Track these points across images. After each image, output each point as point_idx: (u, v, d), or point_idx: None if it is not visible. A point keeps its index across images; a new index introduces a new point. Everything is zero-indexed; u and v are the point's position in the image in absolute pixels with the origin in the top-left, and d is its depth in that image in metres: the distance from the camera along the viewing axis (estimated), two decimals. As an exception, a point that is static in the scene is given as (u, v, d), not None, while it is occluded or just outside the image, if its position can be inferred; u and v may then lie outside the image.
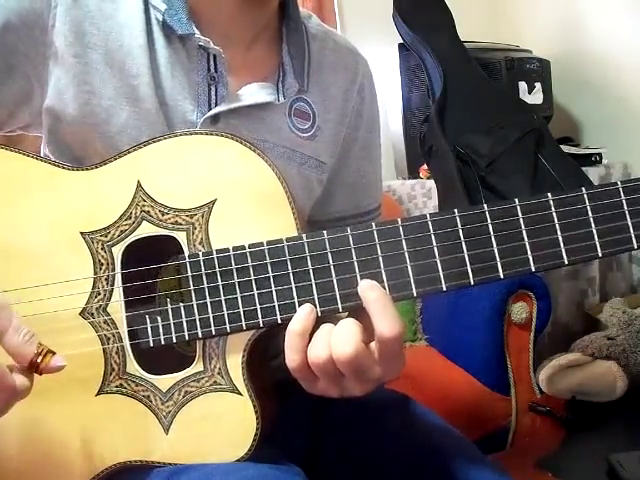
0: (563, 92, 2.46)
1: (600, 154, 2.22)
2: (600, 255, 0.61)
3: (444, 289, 0.63)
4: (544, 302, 1.66)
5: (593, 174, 2.07)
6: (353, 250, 0.64)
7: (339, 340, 0.61)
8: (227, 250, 0.66)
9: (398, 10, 2.16)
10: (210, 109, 0.78)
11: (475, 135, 1.92)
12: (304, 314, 0.63)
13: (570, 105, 2.52)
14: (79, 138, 0.77)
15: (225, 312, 0.66)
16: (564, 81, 2.41)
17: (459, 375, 1.70)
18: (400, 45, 2.28)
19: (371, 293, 0.62)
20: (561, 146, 2.01)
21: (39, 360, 0.59)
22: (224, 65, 0.78)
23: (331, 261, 0.64)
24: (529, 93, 2.25)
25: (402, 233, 0.63)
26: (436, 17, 2.14)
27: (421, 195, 2.24)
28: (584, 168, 1.99)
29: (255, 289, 0.65)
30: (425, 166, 2.19)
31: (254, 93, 0.81)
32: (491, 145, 1.89)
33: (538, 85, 2.27)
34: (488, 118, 1.96)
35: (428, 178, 2.21)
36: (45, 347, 0.60)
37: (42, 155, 0.81)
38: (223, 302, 0.66)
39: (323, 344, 0.62)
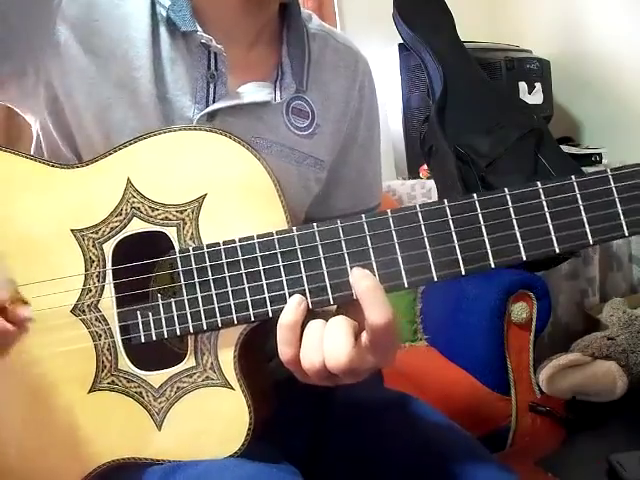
0: (563, 92, 2.46)
1: (600, 154, 2.22)
2: (591, 242, 0.61)
3: (435, 279, 0.62)
4: (544, 302, 1.65)
5: (593, 174, 2.06)
6: (343, 242, 0.64)
7: (332, 348, 0.61)
8: (217, 244, 0.66)
9: (398, 10, 2.16)
10: (208, 106, 0.78)
11: (475, 135, 1.92)
12: (294, 306, 0.63)
13: (570, 105, 2.52)
14: (82, 126, 0.77)
15: (216, 306, 0.66)
16: (564, 81, 2.41)
17: (459, 375, 1.70)
18: (400, 45, 2.28)
19: (362, 282, 0.61)
20: (561, 146, 2.01)
21: (7, 305, 0.60)
22: (224, 63, 0.78)
23: (321, 253, 0.64)
24: (529, 93, 2.25)
25: (392, 224, 0.63)
26: (436, 17, 2.14)
27: (421, 195, 2.24)
28: (584, 168, 1.98)
29: (246, 282, 0.65)
30: (425, 166, 2.19)
31: (252, 92, 0.81)
32: (491, 145, 1.89)
33: (538, 85, 2.27)
34: (488, 118, 1.96)
35: (428, 178, 2.21)
36: (20, 297, 0.61)
37: (46, 143, 0.81)
38: (214, 296, 0.66)
39: (315, 350, 0.61)
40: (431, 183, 2.11)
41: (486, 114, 1.97)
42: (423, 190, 2.23)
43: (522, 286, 1.64)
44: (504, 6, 2.77)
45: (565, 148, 2.07)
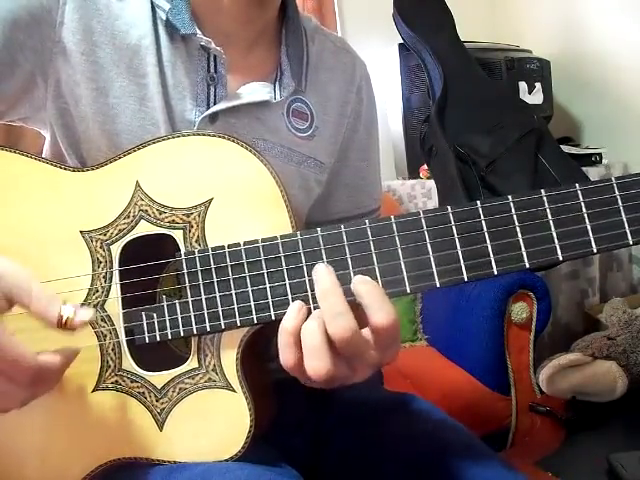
0: (563, 92, 2.46)
1: (600, 154, 2.22)
2: (595, 251, 0.61)
3: (437, 285, 0.62)
4: (544, 302, 1.66)
5: (593, 174, 2.07)
6: (347, 247, 0.64)
7: (331, 313, 0.59)
8: (222, 247, 0.66)
9: (398, 10, 2.16)
10: (209, 108, 0.79)
11: (475, 135, 1.92)
12: (295, 312, 0.63)
13: (570, 105, 2.52)
14: (88, 135, 0.78)
15: (219, 308, 0.66)
16: (564, 81, 2.42)
17: (459, 375, 1.70)
18: (400, 45, 2.28)
19: (363, 286, 0.61)
20: (561, 146, 2.01)
21: (64, 320, 0.61)
22: (224, 66, 0.78)
23: (325, 258, 0.64)
24: (529, 93, 2.25)
25: (395, 229, 0.63)
26: (436, 17, 2.14)
27: (421, 195, 2.24)
28: (584, 168, 1.99)
29: (249, 285, 0.65)
30: (425, 166, 2.19)
31: (252, 92, 0.81)
32: (491, 145, 1.89)
33: (538, 85, 2.27)
34: (488, 118, 1.96)
35: (428, 178, 2.21)
36: (69, 305, 0.62)
37: (52, 151, 0.82)
38: (218, 299, 0.66)
39: (315, 320, 0.60)
40: (431, 183, 2.11)
41: (486, 114, 1.97)
42: (423, 190, 2.23)
43: (522, 286, 1.64)
44: (504, 6, 2.77)
45: (565, 148, 2.07)
